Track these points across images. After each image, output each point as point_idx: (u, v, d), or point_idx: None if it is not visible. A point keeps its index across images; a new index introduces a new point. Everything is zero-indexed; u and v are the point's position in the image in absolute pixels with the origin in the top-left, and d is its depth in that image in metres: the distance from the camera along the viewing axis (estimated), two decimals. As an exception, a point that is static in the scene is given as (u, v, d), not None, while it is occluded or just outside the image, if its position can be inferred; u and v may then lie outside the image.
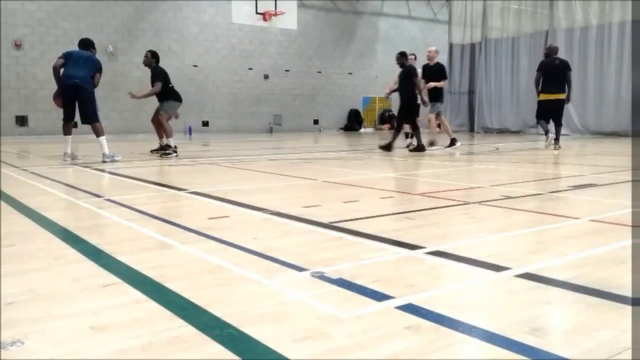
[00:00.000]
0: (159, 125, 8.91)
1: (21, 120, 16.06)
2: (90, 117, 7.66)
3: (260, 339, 1.59)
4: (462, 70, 19.91)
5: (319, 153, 9.77)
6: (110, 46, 16.42)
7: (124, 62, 17.28)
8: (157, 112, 8.92)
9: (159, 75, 8.72)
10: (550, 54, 10.15)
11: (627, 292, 2.03)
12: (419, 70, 9.96)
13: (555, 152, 9.68)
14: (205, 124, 19.07)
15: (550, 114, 10.00)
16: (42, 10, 16.14)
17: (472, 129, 19.32)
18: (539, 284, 2.14)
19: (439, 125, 10.83)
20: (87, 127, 7.89)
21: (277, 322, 1.73)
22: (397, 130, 9.83)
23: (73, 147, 7.93)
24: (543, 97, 9.93)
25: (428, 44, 24.26)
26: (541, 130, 11.62)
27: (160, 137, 8.97)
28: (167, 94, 8.83)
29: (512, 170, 6.78)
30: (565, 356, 1.49)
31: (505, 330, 1.65)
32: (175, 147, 8.79)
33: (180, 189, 4.92)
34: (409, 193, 4.81)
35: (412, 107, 9.58)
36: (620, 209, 3.78)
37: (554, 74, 9.79)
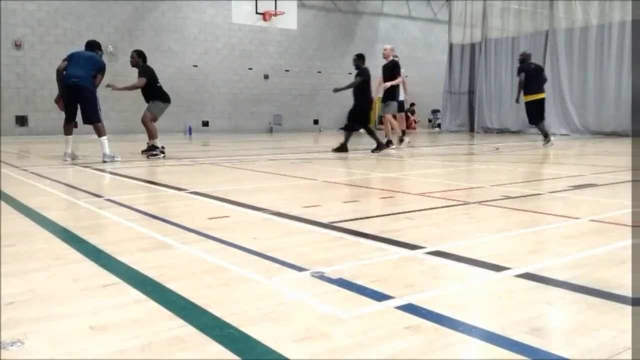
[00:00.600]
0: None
1: (21, 120, 16.06)
2: (92, 117, 7.65)
3: (260, 339, 1.59)
4: (462, 70, 19.91)
5: (319, 153, 9.76)
6: (110, 46, 16.39)
7: (124, 62, 17.11)
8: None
9: (145, 72, 8.50)
10: (525, 60, 11.17)
11: (627, 292, 2.03)
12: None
13: (547, 147, 10.20)
14: (205, 124, 19.07)
15: (540, 112, 10.99)
16: (42, 10, 16.13)
17: (472, 129, 19.32)
18: (539, 284, 2.14)
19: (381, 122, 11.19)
20: (88, 127, 7.88)
21: (277, 322, 1.73)
22: (349, 130, 9.67)
23: (73, 147, 7.93)
24: (531, 97, 10.88)
25: (428, 44, 24.45)
26: (536, 130, 12.44)
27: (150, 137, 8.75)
28: (154, 93, 8.57)
29: (512, 170, 6.78)
30: (565, 356, 1.49)
31: (505, 330, 1.65)
32: (163, 147, 8.57)
33: (180, 189, 4.92)
34: (409, 193, 4.81)
35: (362, 109, 9.47)
36: (620, 209, 3.78)
37: (534, 77, 10.91)
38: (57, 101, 7.78)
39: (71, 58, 7.63)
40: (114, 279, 2.20)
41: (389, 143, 10.09)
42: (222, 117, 19.49)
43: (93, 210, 3.89)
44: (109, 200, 4.29)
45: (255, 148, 11.41)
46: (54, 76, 7.82)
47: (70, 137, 7.83)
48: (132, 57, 8.73)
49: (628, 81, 14.64)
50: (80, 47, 8.27)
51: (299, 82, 21.04)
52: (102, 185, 5.71)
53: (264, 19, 18.35)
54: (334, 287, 2.07)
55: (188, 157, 8.64)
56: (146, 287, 2.08)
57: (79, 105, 7.62)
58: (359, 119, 9.51)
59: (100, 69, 7.71)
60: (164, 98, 8.69)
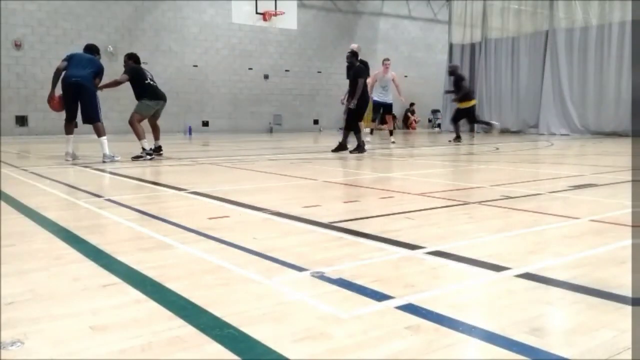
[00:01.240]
0: (152, 127, 8.64)
1: (21, 120, 16.05)
2: (92, 117, 7.66)
3: (260, 339, 1.59)
4: (462, 70, 19.87)
5: (319, 153, 9.76)
6: (110, 46, 16.39)
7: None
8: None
9: (128, 70, 8.33)
10: (455, 71, 13.41)
11: (627, 292, 2.03)
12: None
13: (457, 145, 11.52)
14: (205, 124, 19.06)
15: (474, 115, 13.38)
16: (42, 10, 16.13)
17: (472, 129, 19.30)
18: (539, 284, 2.14)
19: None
20: (87, 127, 7.89)
21: (277, 322, 1.73)
22: (347, 130, 9.63)
23: (73, 147, 7.93)
24: (470, 104, 12.99)
25: (428, 44, 24.44)
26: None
27: (156, 138, 8.68)
28: (141, 91, 8.30)
29: (512, 170, 6.78)
30: (565, 356, 1.49)
31: (505, 330, 1.65)
32: (151, 149, 8.26)
33: (180, 189, 4.92)
34: (409, 193, 4.81)
35: (359, 107, 9.41)
36: (620, 209, 3.78)
37: (467, 86, 13.22)
38: (49, 100, 7.76)
39: (71, 59, 7.68)
40: (114, 279, 2.20)
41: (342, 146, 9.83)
42: (222, 117, 19.48)
43: (93, 210, 3.89)
44: (109, 200, 4.29)
45: (255, 148, 11.41)
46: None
47: (71, 136, 7.86)
48: (124, 61, 8.60)
49: (628, 81, 14.64)
50: (80, 47, 8.31)
51: (299, 82, 21.03)
52: (102, 185, 5.71)
53: (264, 19, 18.34)
54: (334, 287, 2.07)
55: (188, 157, 8.64)
56: (146, 287, 2.08)
57: (79, 105, 7.63)
58: (353, 116, 9.48)
59: (99, 72, 7.76)
60: (153, 96, 8.36)
